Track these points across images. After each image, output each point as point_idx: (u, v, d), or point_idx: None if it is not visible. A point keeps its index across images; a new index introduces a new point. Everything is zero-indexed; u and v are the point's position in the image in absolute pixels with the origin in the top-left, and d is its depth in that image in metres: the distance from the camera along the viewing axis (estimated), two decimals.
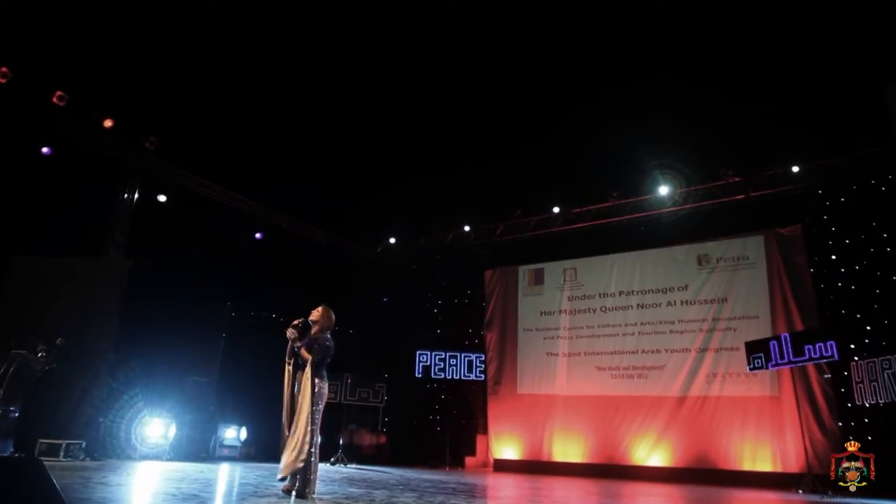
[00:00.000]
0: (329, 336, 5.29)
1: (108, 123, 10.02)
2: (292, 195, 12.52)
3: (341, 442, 11.19)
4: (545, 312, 13.00)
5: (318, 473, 5.29)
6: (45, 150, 9.59)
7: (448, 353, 12.43)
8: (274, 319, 11.01)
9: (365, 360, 13.67)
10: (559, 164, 11.85)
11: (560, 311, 12.80)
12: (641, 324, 11.86)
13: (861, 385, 8.71)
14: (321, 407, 5.14)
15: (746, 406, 10.42)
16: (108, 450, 8.51)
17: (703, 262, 11.55)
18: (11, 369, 7.39)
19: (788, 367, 9.31)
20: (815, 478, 8.76)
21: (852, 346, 9.51)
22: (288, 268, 12.54)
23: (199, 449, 9.87)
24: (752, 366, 9.47)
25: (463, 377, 12.35)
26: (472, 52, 10.58)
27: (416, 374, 12.31)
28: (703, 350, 11.11)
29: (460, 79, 11.10)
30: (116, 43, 9.34)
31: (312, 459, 4.96)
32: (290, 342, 5.23)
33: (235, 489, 5.88)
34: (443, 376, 12.39)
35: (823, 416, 9.65)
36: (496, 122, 11.73)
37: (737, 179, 11.08)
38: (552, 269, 13.17)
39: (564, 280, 12.96)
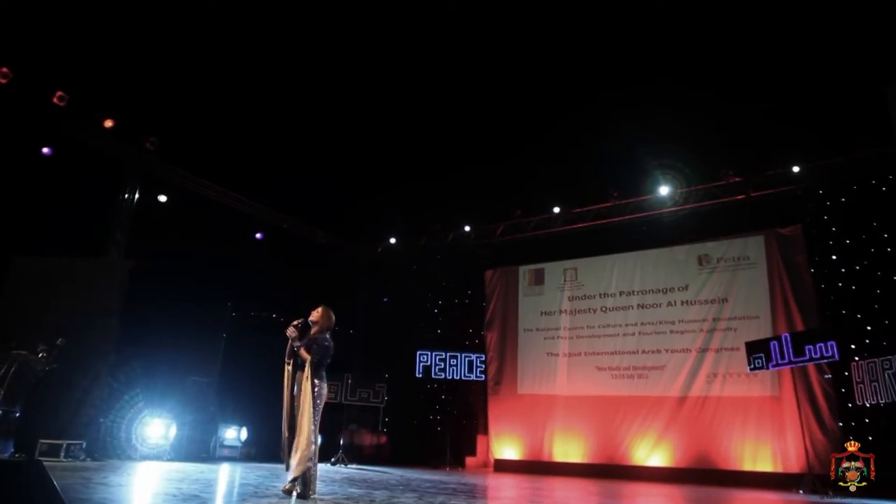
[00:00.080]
0: (328, 336, 5.29)
1: (108, 124, 10.03)
2: (292, 195, 12.53)
3: (342, 442, 11.19)
4: (545, 312, 13.00)
5: (319, 474, 5.29)
6: (45, 150, 9.59)
7: (448, 354, 12.42)
8: (274, 319, 11.02)
9: (365, 361, 13.67)
10: (559, 164, 11.86)
11: (560, 312, 12.80)
12: (642, 324, 11.86)
13: (861, 385, 8.71)
14: (320, 407, 5.14)
15: (747, 406, 10.42)
16: (109, 450, 8.51)
17: (704, 263, 11.55)
18: (12, 370, 7.40)
19: (789, 367, 9.31)
20: (815, 478, 8.75)
21: (853, 347, 9.49)
22: (288, 268, 12.54)
23: (200, 449, 9.87)
24: (752, 366, 9.46)
25: (463, 377, 12.35)
26: (472, 52, 10.59)
27: (417, 375, 12.31)
28: (703, 350, 11.10)
29: (460, 79, 11.11)
30: (117, 43, 9.34)
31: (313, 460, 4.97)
32: (289, 342, 5.23)
33: (236, 490, 5.88)
34: (443, 376, 12.39)
35: (824, 416, 9.65)
36: (496, 122, 11.74)
37: (737, 179, 11.07)
38: (552, 270, 13.16)
39: (565, 280, 12.96)
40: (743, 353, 9.81)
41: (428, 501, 5.41)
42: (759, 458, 10.08)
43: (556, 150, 11.76)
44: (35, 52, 9.12)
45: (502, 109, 11.55)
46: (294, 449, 4.93)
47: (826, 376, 9.75)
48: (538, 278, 13.27)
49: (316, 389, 5.07)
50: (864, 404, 8.82)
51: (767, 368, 9.34)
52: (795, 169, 10.59)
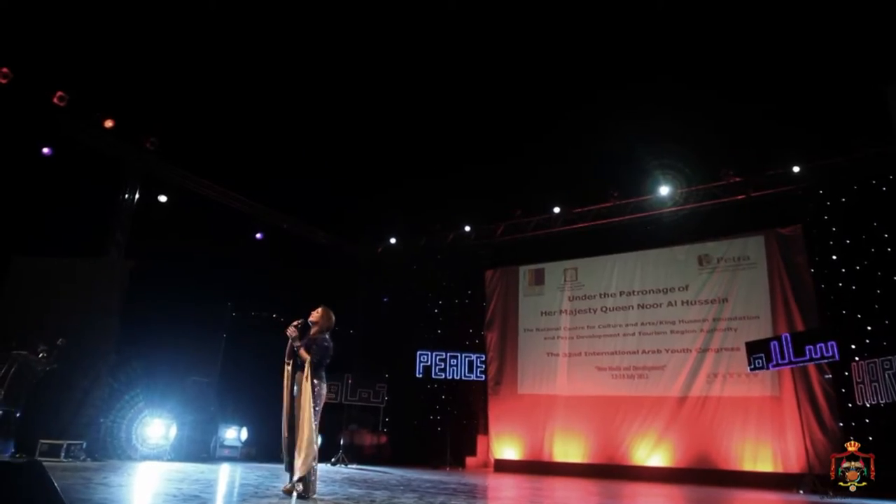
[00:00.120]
0: (328, 337, 5.30)
1: (108, 124, 10.03)
2: (292, 195, 12.53)
3: (342, 442, 11.19)
4: (546, 312, 13.00)
5: (319, 474, 5.30)
6: (45, 150, 9.60)
7: (449, 354, 12.42)
8: (274, 319, 11.01)
9: (365, 361, 13.67)
10: (559, 165, 11.85)
11: (561, 312, 12.79)
12: (642, 324, 11.86)
13: (862, 385, 8.71)
14: (320, 408, 5.15)
15: (747, 406, 10.41)
16: (109, 450, 8.51)
17: (704, 263, 11.55)
18: (13, 370, 7.41)
19: (789, 367, 9.31)
20: (815, 478, 8.75)
21: (853, 347, 9.49)
22: (288, 268, 12.54)
23: (200, 449, 9.87)
24: (752, 366, 9.46)
25: (463, 377, 12.34)
26: (473, 52, 10.58)
27: (417, 375, 12.30)
28: (703, 350, 11.10)
29: (460, 79, 11.10)
30: (117, 44, 9.34)
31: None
32: (289, 342, 5.23)
33: (236, 490, 5.88)
34: (443, 376, 12.38)
35: (824, 416, 9.65)
36: (496, 122, 11.73)
37: (737, 179, 11.07)
38: (553, 270, 13.16)
39: (565, 280, 12.96)
40: (743, 353, 9.80)
41: (428, 502, 5.41)
42: (759, 458, 10.08)
43: (557, 150, 11.76)
44: (35, 53, 9.12)
45: (502, 109, 11.55)
46: (297, 450, 4.93)
47: (826, 376, 9.75)
48: (538, 278, 13.27)
49: (315, 390, 5.07)
50: (864, 404, 8.82)
51: (768, 368, 9.33)
52: (795, 169, 10.59)
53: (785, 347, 9.03)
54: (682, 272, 11.71)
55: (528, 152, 12.07)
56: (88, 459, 7.71)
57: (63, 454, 7.46)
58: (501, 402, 12.85)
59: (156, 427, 8.99)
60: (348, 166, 12.48)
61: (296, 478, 4.97)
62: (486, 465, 12.58)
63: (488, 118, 11.64)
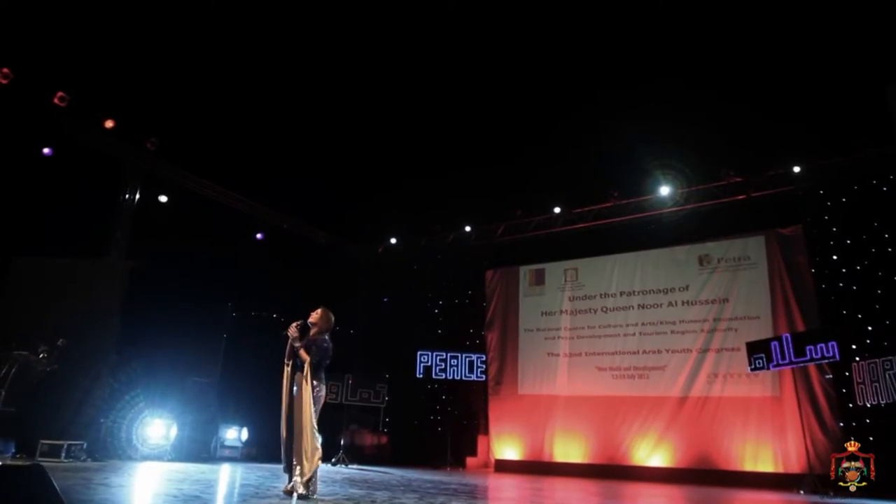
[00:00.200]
0: (327, 338, 5.30)
1: (109, 124, 10.03)
2: (293, 195, 12.53)
3: (342, 442, 11.19)
4: (546, 313, 13.00)
5: (320, 474, 5.30)
6: (46, 150, 9.60)
7: (449, 354, 12.41)
8: (275, 320, 11.00)
9: (366, 361, 13.67)
10: (560, 165, 11.85)
11: (561, 312, 12.79)
12: (642, 324, 11.86)
13: (862, 385, 8.70)
14: (319, 408, 5.15)
15: (747, 406, 10.41)
16: (110, 451, 8.51)
17: (704, 263, 11.55)
18: (13, 370, 7.42)
19: (790, 367, 9.30)
20: (816, 478, 8.74)
21: (854, 347, 9.48)
22: (288, 268, 12.55)
23: (201, 449, 9.87)
24: (753, 366, 9.45)
25: (464, 378, 12.34)
26: (473, 52, 10.58)
27: (417, 375, 12.30)
28: (704, 350, 11.10)
29: (461, 79, 11.10)
30: (117, 44, 9.34)
31: None
32: (289, 342, 5.23)
33: (237, 490, 5.89)
34: (444, 377, 12.37)
35: (825, 416, 9.65)
36: (497, 123, 11.73)
37: (737, 179, 11.07)
38: (553, 270, 13.16)
39: (565, 280, 12.96)
40: (744, 353, 9.80)
41: (429, 502, 5.41)
42: (759, 458, 10.07)
43: (557, 151, 11.76)
44: (36, 53, 9.13)
45: (503, 110, 11.55)
46: (303, 452, 4.92)
47: (827, 377, 9.75)
48: (539, 278, 13.27)
49: (315, 390, 5.07)
50: (864, 405, 8.81)
51: (768, 369, 9.33)
52: (796, 169, 10.58)
53: (785, 348, 9.02)
54: (682, 272, 11.71)
55: (528, 152, 12.07)
56: (89, 460, 7.71)
57: (63, 454, 7.45)
58: (502, 402, 12.85)
59: (156, 427, 8.99)
60: (348, 166, 12.48)
61: (305, 478, 4.96)
62: (486, 465, 12.58)
63: (489, 118, 11.64)
